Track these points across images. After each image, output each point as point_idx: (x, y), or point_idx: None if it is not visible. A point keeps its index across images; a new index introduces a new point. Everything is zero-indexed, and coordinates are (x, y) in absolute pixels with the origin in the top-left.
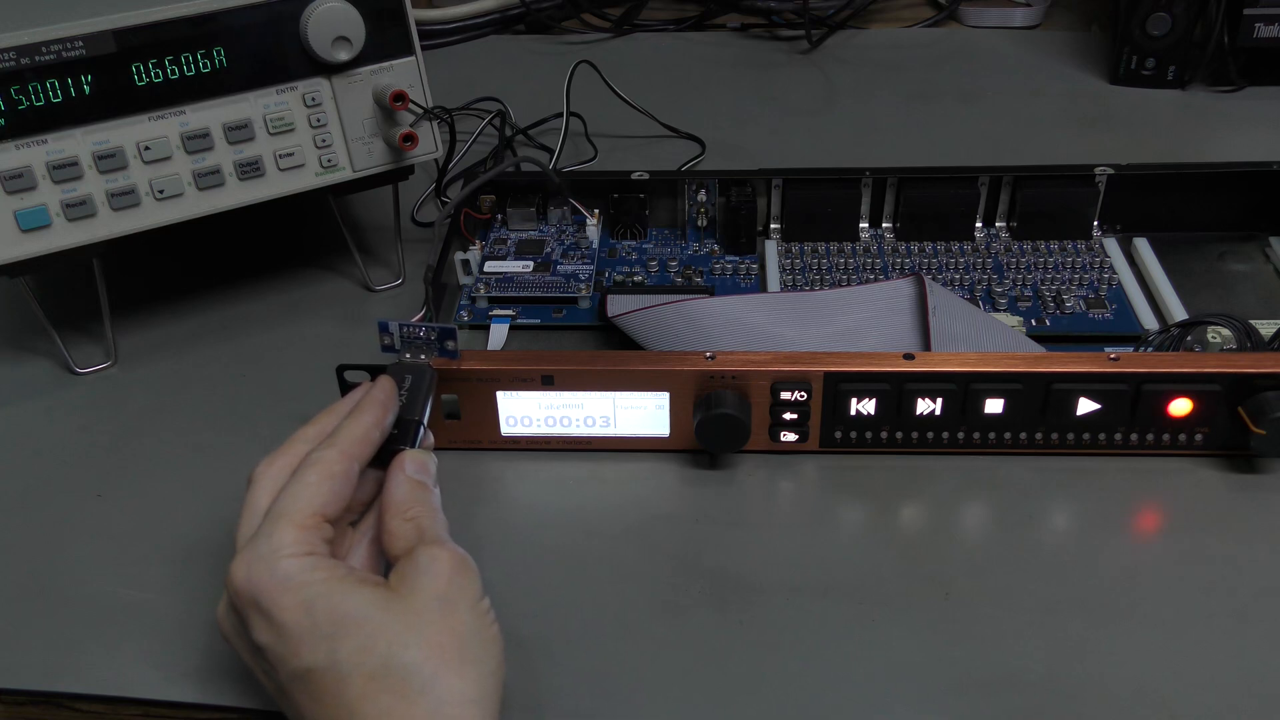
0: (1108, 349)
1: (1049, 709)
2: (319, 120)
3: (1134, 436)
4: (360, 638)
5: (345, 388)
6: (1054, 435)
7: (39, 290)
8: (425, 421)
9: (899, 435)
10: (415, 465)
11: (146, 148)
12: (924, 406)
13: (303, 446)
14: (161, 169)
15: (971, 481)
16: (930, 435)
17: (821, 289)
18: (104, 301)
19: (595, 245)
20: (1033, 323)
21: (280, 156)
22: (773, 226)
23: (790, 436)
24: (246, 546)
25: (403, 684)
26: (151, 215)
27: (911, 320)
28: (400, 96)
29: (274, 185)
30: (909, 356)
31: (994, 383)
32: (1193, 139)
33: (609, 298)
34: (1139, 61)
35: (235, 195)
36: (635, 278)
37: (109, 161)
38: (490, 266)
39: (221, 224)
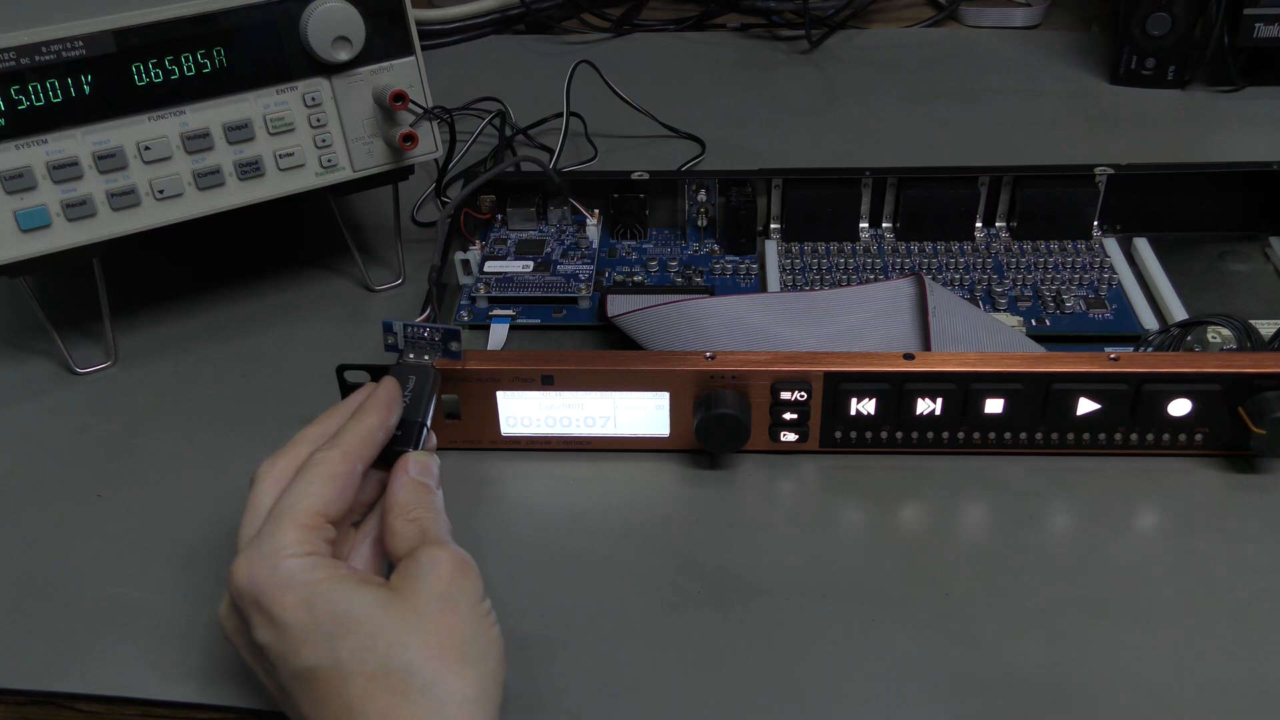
0: (1108, 349)
1: (1049, 709)
2: (319, 120)
3: (1134, 436)
4: (361, 637)
5: (345, 388)
6: (1054, 435)
7: (39, 290)
8: (428, 423)
9: (899, 435)
10: (418, 467)
11: (146, 148)
12: (924, 406)
13: (306, 447)
14: (161, 169)
15: (971, 481)
16: (930, 435)
17: (821, 289)
18: (104, 301)
19: (595, 245)
20: (1033, 323)
21: (280, 156)
22: (773, 226)
23: (790, 436)
24: (249, 546)
25: (403, 684)
26: (151, 215)
27: (911, 320)
28: (400, 96)
29: (274, 185)
30: (909, 356)
31: (994, 383)
32: (1193, 139)
33: (609, 298)
34: (1139, 61)
35: (235, 195)
36: (635, 278)
37: (109, 161)
38: (490, 266)
39: (221, 224)
